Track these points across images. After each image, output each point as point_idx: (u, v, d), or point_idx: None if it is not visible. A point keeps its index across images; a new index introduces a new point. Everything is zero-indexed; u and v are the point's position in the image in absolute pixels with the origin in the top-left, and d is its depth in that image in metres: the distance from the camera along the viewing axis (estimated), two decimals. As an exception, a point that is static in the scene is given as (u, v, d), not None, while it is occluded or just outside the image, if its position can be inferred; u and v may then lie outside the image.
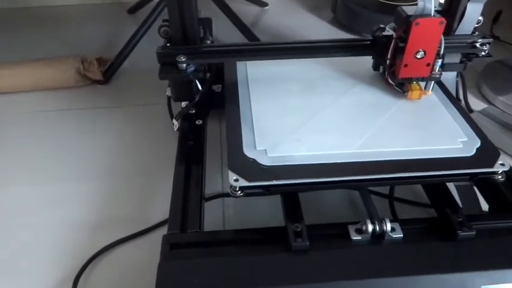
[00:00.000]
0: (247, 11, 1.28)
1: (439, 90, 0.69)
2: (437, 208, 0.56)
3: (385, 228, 0.50)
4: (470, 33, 0.69)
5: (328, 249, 0.49)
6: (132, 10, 1.27)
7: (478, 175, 0.54)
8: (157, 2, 1.03)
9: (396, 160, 0.54)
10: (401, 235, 0.50)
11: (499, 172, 0.53)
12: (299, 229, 0.50)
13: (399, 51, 0.61)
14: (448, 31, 0.69)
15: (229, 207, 0.69)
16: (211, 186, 0.72)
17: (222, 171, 0.75)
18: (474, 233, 0.50)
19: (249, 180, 0.51)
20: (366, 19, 1.12)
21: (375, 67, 0.68)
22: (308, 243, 0.48)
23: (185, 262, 0.48)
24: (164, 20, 0.65)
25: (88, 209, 0.69)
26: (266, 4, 1.32)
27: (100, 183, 0.73)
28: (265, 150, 0.55)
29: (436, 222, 0.53)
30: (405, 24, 0.59)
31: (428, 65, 0.61)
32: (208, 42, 0.68)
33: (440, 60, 0.62)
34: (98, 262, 0.62)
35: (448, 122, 0.61)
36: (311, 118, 0.61)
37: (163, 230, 0.65)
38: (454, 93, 0.74)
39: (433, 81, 0.64)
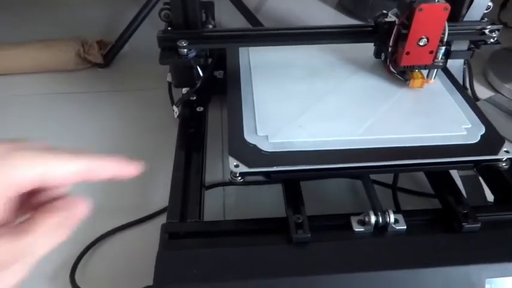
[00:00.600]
0: (250, -5, 1.25)
1: (444, 76, 0.67)
2: (442, 199, 0.55)
3: (388, 219, 0.49)
4: (478, 19, 0.67)
5: (330, 240, 0.48)
6: (133, -8, 1.24)
7: (482, 162, 0.53)
8: (159, -16, 1.01)
9: (399, 147, 0.53)
10: (405, 227, 0.49)
11: (504, 159, 0.52)
12: (300, 220, 0.49)
13: (401, 38, 0.59)
14: (456, 18, 0.68)
15: (229, 196, 0.68)
16: (211, 174, 0.71)
17: (222, 159, 0.74)
18: (479, 225, 0.49)
19: (250, 166, 0.50)
20: (371, 4, 1.09)
21: (377, 54, 0.66)
22: (309, 235, 0.47)
23: (184, 252, 0.47)
24: (165, 3, 0.63)
25: (86, 194, 0.68)
26: (270, -12, 1.29)
27: (99, 170, 0.72)
28: (267, 136, 0.54)
29: (440, 214, 0.52)
30: (408, 10, 0.56)
31: (431, 52, 0.59)
32: (210, 26, 0.66)
33: (443, 48, 0.60)
34: (97, 249, 0.62)
35: (453, 109, 0.60)
36: (313, 104, 0.59)
37: (163, 218, 0.64)
38: (461, 81, 0.72)
39: (435, 69, 0.62)
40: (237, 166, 0.50)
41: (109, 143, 0.78)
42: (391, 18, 0.60)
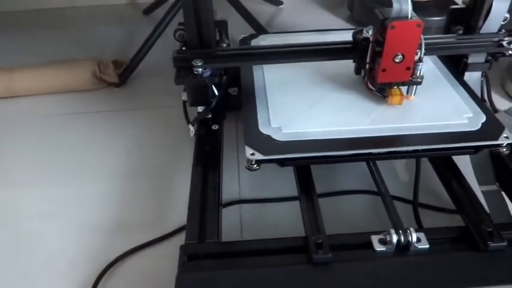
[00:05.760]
0: (262, 10, 1.26)
1: (442, 66, 0.70)
2: (464, 215, 0.54)
3: (410, 238, 0.48)
4: (496, 31, 0.66)
5: (351, 261, 0.47)
6: (147, 11, 1.26)
7: (483, 148, 0.56)
8: (172, 3, 1.02)
9: (404, 135, 0.57)
10: (427, 246, 0.48)
11: (504, 145, 0.55)
12: (320, 240, 0.48)
13: (377, 55, 0.58)
14: (473, 30, 0.67)
15: (245, 214, 0.68)
16: (227, 191, 0.71)
17: (239, 176, 0.74)
18: (505, 243, 0.47)
19: (264, 154, 0.54)
20: (383, 16, 1.09)
21: (357, 71, 0.64)
22: (330, 255, 0.47)
23: (203, 274, 0.47)
24: (180, 24, 0.64)
25: (103, 213, 0.69)
26: (281, 3, 1.30)
27: (116, 187, 0.73)
28: (280, 127, 0.58)
29: (464, 232, 0.51)
30: (381, 27, 0.56)
31: (408, 69, 0.58)
32: (224, 45, 0.66)
33: (421, 64, 0.58)
34: (116, 269, 0.62)
35: (454, 99, 0.63)
36: (323, 99, 0.63)
37: (180, 236, 0.64)
38: (478, 93, 0.71)
39: (415, 86, 0.60)
40: (253, 154, 0.54)
41: (126, 160, 0.78)
42: (366, 34, 0.59)
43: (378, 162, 0.60)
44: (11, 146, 0.83)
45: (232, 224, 0.66)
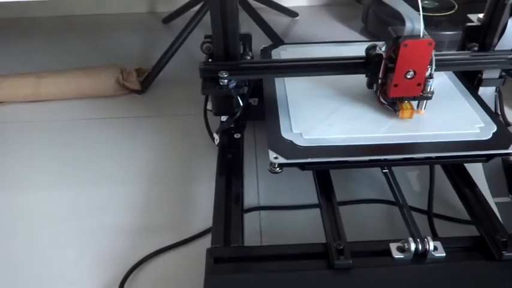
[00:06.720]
0: (278, 21, 1.29)
1: (457, 79, 0.72)
2: (479, 226, 0.56)
3: (427, 247, 0.50)
4: (510, 48, 0.69)
5: (371, 267, 0.49)
6: (167, 20, 1.29)
7: (494, 156, 0.59)
8: (193, 16, 1.05)
9: (418, 143, 0.60)
10: (444, 254, 0.50)
11: None
12: (341, 247, 0.50)
13: (389, 70, 0.60)
14: (488, 47, 0.69)
15: (264, 220, 0.70)
16: (246, 197, 0.73)
17: (258, 183, 0.76)
18: (519, 253, 0.49)
19: (287, 158, 0.57)
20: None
21: (369, 85, 0.67)
22: (351, 261, 0.49)
23: (230, 276, 0.49)
24: (206, 36, 0.67)
25: (128, 216, 0.71)
26: (297, 14, 1.33)
27: (139, 191, 0.76)
28: (301, 133, 0.61)
29: (479, 241, 0.53)
30: (394, 45, 0.58)
31: (419, 84, 0.60)
32: (248, 57, 0.69)
33: (431, 80, 0.60)
34: (140, 271, 0.64)
35: (467, 110, 0.66)
36: (341, 107, 0.66)
37: (203, 240, 0.67)
38: (492, 107, 0.73)
39: (425, 101, 0.63)
40: (276, 158, 0.57)
41: (147, 165, 0.81)
42: (379, 51, 0.62)
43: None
44: (36, 148, 0.86)
45: (252, 230, 0.69)
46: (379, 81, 0.63)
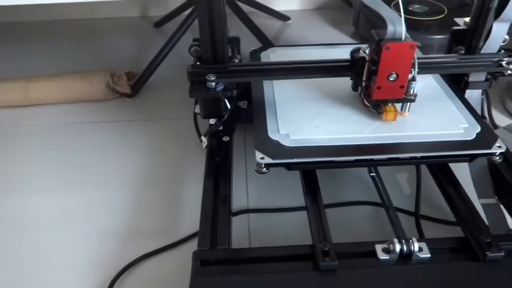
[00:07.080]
0: (269, 25, 1.30)
1: (444, 82, 0.73)
2: (464, 227, 0.56)
3: (412, 248, 0.50)
4: (495, 51, 0.70)
5: (356, 268, 0.49)
6: (158, 24, 1.30)
7: (477, 156, 0.60)
8: (183, 20, 1.05)
9: (403, 143, 0.60)
10: (429, 255, 0.50)
11: (497, 153, 0.59)
12: (327, 248, 0.51)
13: (372, 73, 0.61)
14: (474, 50, 0.70)
15: (253, 223, 0.71)
16: (235, 200, 0.73)
17: (247, 186, 0.77)
18: (503, 253, 0.50)
19: (273, 158, 0.57)
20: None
21: (354, 88, 0.67)
22: (336, 263, 0.49)
23: (216, 279, 0.49)
24: (194, 40, 0.67)
25: (116, 220, 0.71)
26: (288, 18, 1.33)
27: (128, 195, 0.76)
28: (288, 134, 0.62)
29: (463, 242, 0.53)
30: (377, 48, 0.59)
31: (402, 87, 0.61)
32: (236, 60, 0.69)
33: (414, 82, 0.61)
34: (128, 274, 0.64)
35: (452, 111, 0.66)
36: (328, 109, 0.67)
37: (192, 243, 0.67)
38: (479, 110, 0.74)
39: (409, 103, 0.63)
40: (262, 158, 0.57)
41: (137, 169, 0.81)
42: (363, 54, 0.62)
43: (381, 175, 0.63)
44: (25, 154, 0.85)
45: (240, 232, 0.69)
46: (363, 83, 0.63)
